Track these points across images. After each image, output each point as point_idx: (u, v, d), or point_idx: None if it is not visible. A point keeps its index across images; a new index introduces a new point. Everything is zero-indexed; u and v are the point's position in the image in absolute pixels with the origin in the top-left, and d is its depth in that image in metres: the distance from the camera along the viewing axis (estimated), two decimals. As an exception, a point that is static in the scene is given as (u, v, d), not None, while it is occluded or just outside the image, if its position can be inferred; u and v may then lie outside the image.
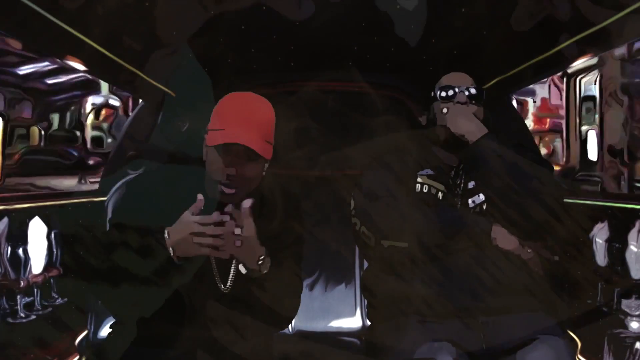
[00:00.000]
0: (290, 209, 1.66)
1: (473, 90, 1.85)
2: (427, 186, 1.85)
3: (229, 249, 1.44)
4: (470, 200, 1.84)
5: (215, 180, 1.50)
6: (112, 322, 1.66)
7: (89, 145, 2.65)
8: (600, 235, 2.09)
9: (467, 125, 1.79)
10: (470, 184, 1.85)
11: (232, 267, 1.57)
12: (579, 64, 2.26)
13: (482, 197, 1.83)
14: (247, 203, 1.45)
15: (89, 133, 2.67)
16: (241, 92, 1.56)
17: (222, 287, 1.58)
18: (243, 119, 1.48)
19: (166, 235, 1.44)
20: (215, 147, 1.49)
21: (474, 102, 1.84)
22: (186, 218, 1.42)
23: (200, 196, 1.43)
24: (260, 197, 1.59)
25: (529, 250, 1.77)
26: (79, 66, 2.20)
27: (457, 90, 1.84)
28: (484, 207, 1.82)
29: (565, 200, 1.83)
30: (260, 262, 1.50)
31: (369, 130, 2.11)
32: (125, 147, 2.54)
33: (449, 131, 1.82)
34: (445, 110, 1.83)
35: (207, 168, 1.53)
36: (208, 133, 1.51)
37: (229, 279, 1.58)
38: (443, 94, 1.86)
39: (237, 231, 1.43)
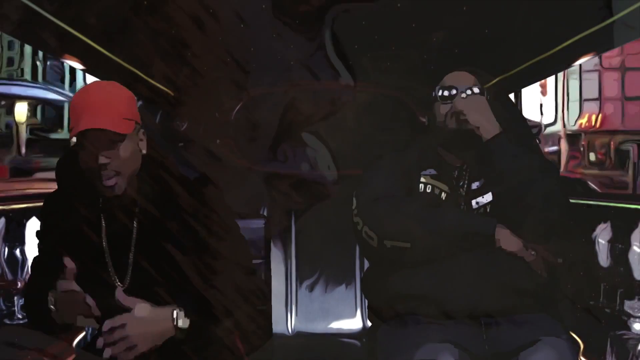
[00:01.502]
0: (202, 194, 1.58)
1: (476, 90, 1.83)
2: (430, 186, 1.84)
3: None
4: (474, 202, 1.83)
5: (93, 177, 1.47)
6: None
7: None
8: (602, 235, 2.09)
9: (484, 119, 1.78)
10: (474, 185, 1.84)
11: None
12: (581, 62, 2.25)
13: (486, 198, 1.82)
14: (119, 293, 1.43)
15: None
16: (90, 83, 1.55)
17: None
18: (89, 105, 1.45)
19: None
20: (77, 143, 1.47)
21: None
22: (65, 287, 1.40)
23: (68, 262, 1.39)
24: (154, 189, 1.55)
25: (532, 253, 1.76)
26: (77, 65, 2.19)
27: (458, 90, 1.82)
28: (488, 208, 1.81)
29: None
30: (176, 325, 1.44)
31: (371, 130, 2.11)
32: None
33: (452, 130, 1.80)
34: (464, 95, 1.80)
35: (83, 169, 1.49)
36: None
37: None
38: (445, 93, 1.84)
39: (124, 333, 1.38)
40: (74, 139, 1.47)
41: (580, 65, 3.86)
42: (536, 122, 4.53)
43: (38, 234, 1.63)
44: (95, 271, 1.52)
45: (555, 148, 4.60)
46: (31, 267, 1.66)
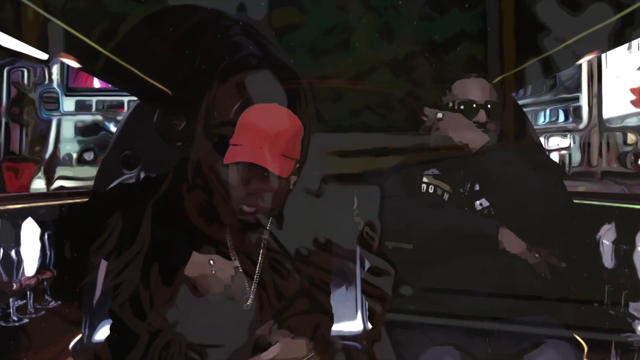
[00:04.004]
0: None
1: (494, 105, 1.74)
2: (432, 186, 1.81)
3: None
4: (477, 203, 1.81)
5: (235, 197, 1.45)
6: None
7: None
8: (607, 236, 2.07)
9: (469, 134, 1.71)
10: (477, 186, 1.82)
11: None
12: (584, 60, 2.24)
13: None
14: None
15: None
16: (264, 105, 1.49)
17: None
18: (259, 134, 1.41)
19: None
20: (230, 164, 1.44)
21: (495, 118, 1.75)
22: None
23: None
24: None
25: (536, 255, 1.74)
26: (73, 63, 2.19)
27: (477, 105, 1.73)
28: (492, 210, 1.79)
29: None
30: None
31: (371, 129, 2.09)
32: (120, 146, 2.52)
33: (448, 139, 1.77)
34: (440, 115, 1.73)
35: (226, 191, 1.46)
36: (229, 147, 1.45)
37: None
38: (460, 108, 1.74)
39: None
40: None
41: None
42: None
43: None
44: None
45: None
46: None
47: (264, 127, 1.42)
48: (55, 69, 4.78)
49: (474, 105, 1.74)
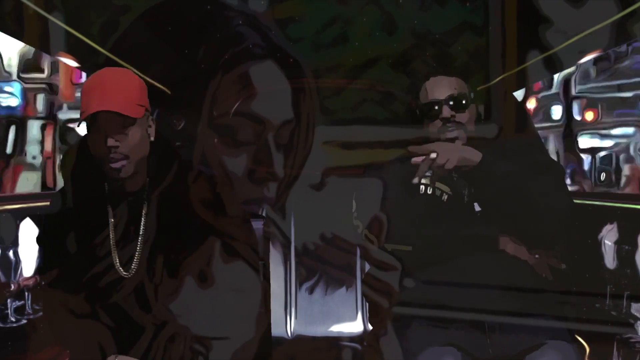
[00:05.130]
0: (212, 183, 1.62)
1: (457, 98, 1.76)
2: (431, 188, 1.80)
3: None
4: (476, 205, 1.80)
5: (102, 161, 1.48)
6: None
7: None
8: (609, 237, 2.07)
9: (460, 158, 1.69)
10: None
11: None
12: (587, 59, 2.24)
13: None
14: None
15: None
16: (103, 69, 1.55)
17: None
18: (101, 88, 1.47)
19: None
20: (87, 126, 1.48)
21: (460, 108, 1.76)
22: None
23: None
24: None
25: (535, 255, 1.74)
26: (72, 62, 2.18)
27: (442, 102, 1.75)
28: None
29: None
30: None
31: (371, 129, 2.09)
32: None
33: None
34: (434, 155, 1.69)
35: (92, 153, 1.51)
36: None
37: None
38: (425, 110, 1.78)
39: None
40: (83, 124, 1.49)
41: None
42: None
43: (43, 233, 1.66)
44: (101, 260, 1.54)
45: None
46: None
47: (103, 82, 1.49)
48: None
49: (435, 104, 1.77)
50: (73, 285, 1.53)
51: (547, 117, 3.56)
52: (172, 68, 2.40)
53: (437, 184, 1.80)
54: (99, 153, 1.48)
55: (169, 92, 2.54)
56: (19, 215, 2.05)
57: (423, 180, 1.80)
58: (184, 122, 2.50)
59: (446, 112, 1.76)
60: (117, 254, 1.55)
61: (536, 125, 3.05)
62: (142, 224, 1.55)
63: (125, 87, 1.50)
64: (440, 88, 1.78)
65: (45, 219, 1.64)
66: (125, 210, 1.56)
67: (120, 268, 1.54)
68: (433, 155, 1.69)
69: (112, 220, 1.56)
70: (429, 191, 1.80)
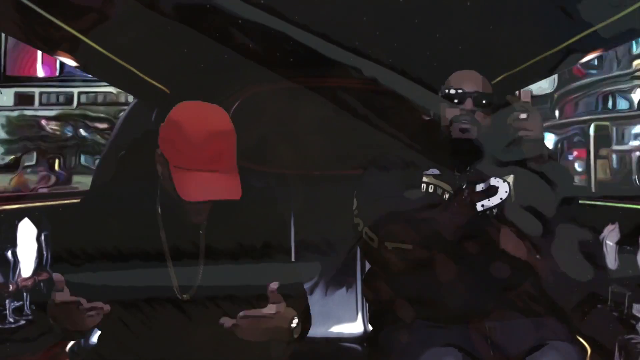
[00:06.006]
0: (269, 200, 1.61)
1: (482, 96, 1.76)
2: (432, 186, 1.79)
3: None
4: (479, 204, 1.78)
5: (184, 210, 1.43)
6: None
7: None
8: (610, 237, 2.06)
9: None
10: (479, 187, 1.80)
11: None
12: (589, 58, 2.23)
13: (492, 201, 1.77)
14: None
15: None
16: (199, 107, 1.43)
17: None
18: (213, 155, 1.36)
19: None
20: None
21: (482, 107, 1.76)
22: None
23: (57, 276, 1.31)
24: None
25: (537, 256, 1.73)
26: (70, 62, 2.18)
27: (466, 93, 1.76)
28: (494, 212, 1.77)
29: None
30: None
31: (371, 128, 2.08)
32: (117, 146, 2.51)
33: (452, 135, 1.76)
34: (524, 116, 1.69)
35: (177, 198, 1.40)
36: (172, 170, 1.38)
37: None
38: (452, 93, 1.77)
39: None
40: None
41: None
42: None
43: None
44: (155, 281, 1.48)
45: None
46: None
47: (210, 142, 1.37)
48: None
49: (461, 93, 1.76)
50: None
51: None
52: (172, 67, 2.40)
53: (439, 182, 1.79)
54: (187, 213, 1.44)
55: (169, 92, 2.54)
56: (18, 216, 2.04)
57: (425, 179, 1.80)
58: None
59: (469, 104, 1.75)
60: (174, 275, 1.50)
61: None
62: (202, 245, 1.50)
63: (232, 151, 1.41)
64: (470, 81, 1.79)
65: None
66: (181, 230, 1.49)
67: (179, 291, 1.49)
68: (523, 115, 1.69)
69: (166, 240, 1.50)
70: (431, 189, 1.79)
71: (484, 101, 1.76)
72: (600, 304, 2.10)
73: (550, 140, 6.10)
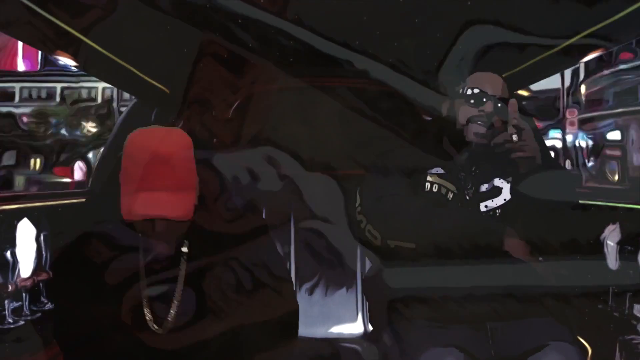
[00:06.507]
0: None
1: (503, 101, 1.72)
2: (437, 185, 1.78)
3: None
4: (482, 205, 1.78)
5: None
6: None
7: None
8: (611, 237, 2.06)
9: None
10: (483, 187, 1.79)
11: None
12: (590, 58, 2.22)
13: (495, 202, 1.77)
14: None
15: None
16: (146, 132, 1.44)
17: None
18: (152, 176, 1.37)
19: None
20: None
21: (500, 113, 1.71)
22: None
23: None
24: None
25: (540, 259, 1.73)
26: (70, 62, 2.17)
27: (486, 95, 1.72)
28: (498, 212, 1.76)
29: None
30: None
31: (373, 128, 2.07)
32: (117, 145, 2.50)
33: (467, 138, 1.75)
34: (515, 138, 1.65)
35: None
36: (121, 195, 1.39)
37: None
38: (473, 96, 1.73)
39: None
40: None
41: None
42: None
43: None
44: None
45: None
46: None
47: (154, 165, 1.38)
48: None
49: (482, 95, 1.73)
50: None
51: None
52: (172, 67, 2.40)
53: (443, 182, 1.78)
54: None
55: (168, 92, 2.54)
56: (17, 216, 2.04)
57: (429, 178, 1.79)
58: (182, 122, 2.50)
59: (489, 107, 1.72)
60: (148, 308, 1.47)
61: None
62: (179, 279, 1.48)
63: (180, 184, 1.40)
64: (492, 84, 1.76)
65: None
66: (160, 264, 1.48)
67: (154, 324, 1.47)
68: (515, 137, 1.66)
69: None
70: (435, 189, 1.78)
71: (502, 105, 1.71)
72: (601, 304, 2.10)
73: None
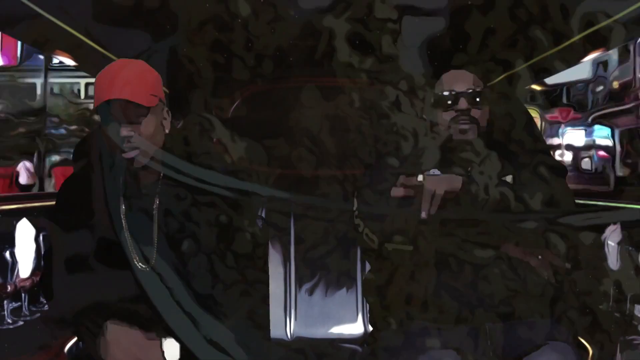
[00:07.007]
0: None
1: (475, 93, 1.77)
2: None
3: None
4: (481, 204, 1.78)
5: (114, 149, 1.49)
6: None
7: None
8: (612, 237, 2.04)
9: (447, 188, 1.66)
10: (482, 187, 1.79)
11: None
12: (590, 58, 2.22)
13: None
14: None
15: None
16: (117, 60, 1.58)
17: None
18: (115, 77, 1.48)
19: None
20: (100, 114, 1.48)
21: (476, 104, 1.77)
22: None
23: None
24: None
25: (538, 256, 1.72)
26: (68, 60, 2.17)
27: (458, 93, 1.76)
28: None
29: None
30: None
31: (371, 127, 2.07)
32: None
33: (453, 137, 1.77)
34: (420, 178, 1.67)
35: (105, 141, 1.51)
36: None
37: None
38: (443, 97, 1.78)
39: None
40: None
41: None
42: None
43: (53, 217, 1.67)
44: (115, 252, 1.53)
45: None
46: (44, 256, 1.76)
47: (118, 71, 1.50)
48: None
49: (454, 94, 1.77)
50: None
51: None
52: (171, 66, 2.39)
53: None
54: (112, 143, 1.48)
55: (167, 92, 2.52)
56: (16, 216, 2.03)
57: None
58: (182, 122, 2.49)
59: (463, 103, 1.76)
60: (132, 245, 1.54)
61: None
62: (155, 214, 1.55)
63: (138, 76, 1.50)
64: (460, 81, 1.79)
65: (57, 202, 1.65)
66: (138, 204, 1.55)
67: (137, 260, 1.54)
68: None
69: (124, 214, 1.55)
70: None
71: (477, 98, 1.77)
72: (602, 305, 2.09)
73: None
